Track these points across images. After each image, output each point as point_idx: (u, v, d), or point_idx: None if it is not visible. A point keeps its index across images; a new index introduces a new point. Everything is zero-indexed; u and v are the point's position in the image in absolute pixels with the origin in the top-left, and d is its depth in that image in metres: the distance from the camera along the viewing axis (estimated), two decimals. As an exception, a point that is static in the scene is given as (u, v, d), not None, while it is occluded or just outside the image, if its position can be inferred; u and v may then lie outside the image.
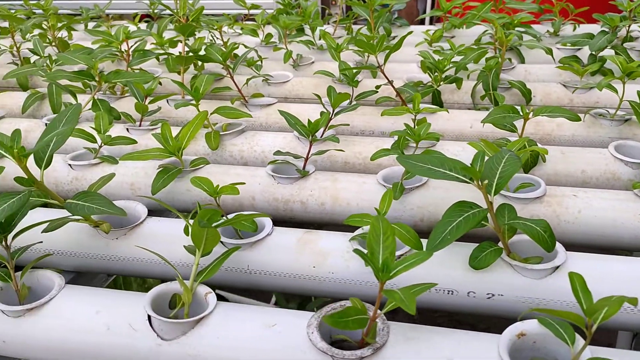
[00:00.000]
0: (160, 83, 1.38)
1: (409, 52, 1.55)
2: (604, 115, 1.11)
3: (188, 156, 1.03)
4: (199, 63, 1.43)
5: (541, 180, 0.88)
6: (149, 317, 0.66)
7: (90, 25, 2.01)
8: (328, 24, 1.97)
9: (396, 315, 0.66)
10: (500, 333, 0.60)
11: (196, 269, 0.68)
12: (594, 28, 1.69)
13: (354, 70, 1.25)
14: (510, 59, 1.45)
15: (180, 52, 1.44)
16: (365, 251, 0.61)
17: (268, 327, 0.64)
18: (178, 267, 0.79)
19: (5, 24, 1.82)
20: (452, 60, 1.27)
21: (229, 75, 1.26)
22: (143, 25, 1.92)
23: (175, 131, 0.97)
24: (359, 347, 0.60)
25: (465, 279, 0.71)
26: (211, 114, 1.07)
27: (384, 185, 0.91)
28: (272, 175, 0.96)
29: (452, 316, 2.09)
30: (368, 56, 1.48)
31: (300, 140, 1.08)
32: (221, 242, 0.77)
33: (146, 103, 1.18)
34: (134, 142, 1.05)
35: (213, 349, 0.63)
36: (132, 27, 1.80)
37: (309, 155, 0.98)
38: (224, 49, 1.28)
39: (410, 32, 1.44)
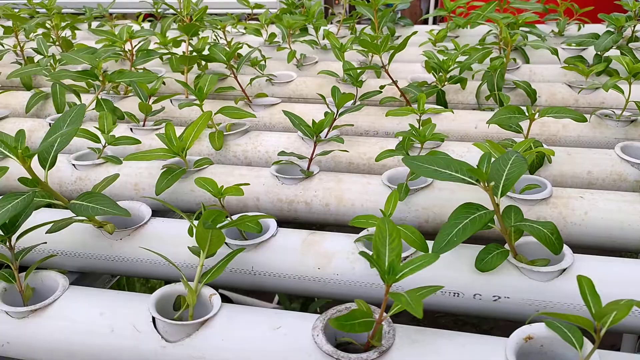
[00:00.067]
0: (163, 83, 1.37)
1: (413, 52, 1.54)
2: (610, 116, 1.10)
3: (192, 156, 1.03)
4: (203, 63, 1.42)
5: (547, 182, 0.88)
6: (154, 318, 0.65)
7: (94, 24, 2.01)
8: (331, 23, 1.97)
9: (398, 315, 0.65)
10: (505, 333, 0.59)
11: (200, 271, 0.68)
12: (599, 28, 1.68)
13: (358, 71, 1.24)
14: (514, 59, 1.45)
15: (183, 52, 1.44)
16: (371, 253, 0.60)
17: (273, 329, 0.64)
18: (182, 268, 0.79)
19: (9, 24, 1.82)
20: (456, 60, 1.26)
21: (232, 75, 1.26)
22: (146, 25, 1.92)
23: (179, 131, 0.97)
24: (365, 349, 0.60)
25: (471, 281, 0.71)
26: (215, 114, 1.07)
27: (389, 186, 0.90)
28: (276, 176, 0.95)
29: (456, 316, 2.09)
30: (372, 56, 1.48)
31: (305, 140, 1.08)
32: (225, 243, 0.77)
33: (150, 103, 1.18)
34: (138, 142, 1.05)
35: (218, 351, 0.63)
36: (135, 27, 1.79)
37: (313, 156, 0.97)
38: (227, 49, 1.28)
39: (415, 32, 1.43)
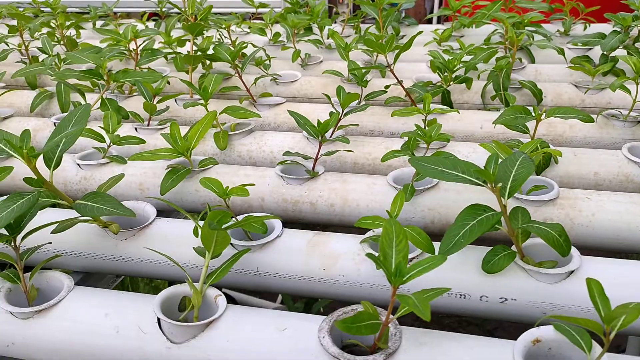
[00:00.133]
0: (168, 82, 1.37)
1: (418, 52, 1.53)
2: (616, 116, 1.10)
3: (197, 156, 1.02)
4: (207, 62, 1.42)
5: (554, 183, 0.87)
6: (159, 319, 0.65)
7: (98, 23, 2.01)
8: (336, 22, 1.96)
9: (402, 316, 0.65)
10: (509, 334, 0.59)
11: (206, 272, 0.68)
12: (605, 27, 1.67)
13: (363, 70, 1.24)
14: (520, 59, 1.44)
15: (188, 51, 1.43)
16: (377, 254, 0.60)
17: (279, 331, 0.63)
18: (187, 269, 0.78)
19: (14, 23, 1.82)
20: (461, 60, 1.25)
21: (237, 75, 1.26)
22: (151, 24, 1.92)
23: (183, 131, 0.97)
24: (371, 352, 0.59)
25: (477, 283, 0.70)
26: (220, 113, 1.07)
27: (394, 187, 0.90)
28: (282, 176, 0.95)
29: (460, 316, 2.08)
30: (377, 55, 1.47)
31: (310, 140, 1.08)
32: (230, 243, 0.76)
33: (154, 102, 1.18)
34: (143, 141, 1.04)
35: (223, 353, 0.63)
36: (140, 26, 1.79)
37: (319, 156, 0.97)
38: (232, 48, 1.27)
39: (421, 32, 1.43)
